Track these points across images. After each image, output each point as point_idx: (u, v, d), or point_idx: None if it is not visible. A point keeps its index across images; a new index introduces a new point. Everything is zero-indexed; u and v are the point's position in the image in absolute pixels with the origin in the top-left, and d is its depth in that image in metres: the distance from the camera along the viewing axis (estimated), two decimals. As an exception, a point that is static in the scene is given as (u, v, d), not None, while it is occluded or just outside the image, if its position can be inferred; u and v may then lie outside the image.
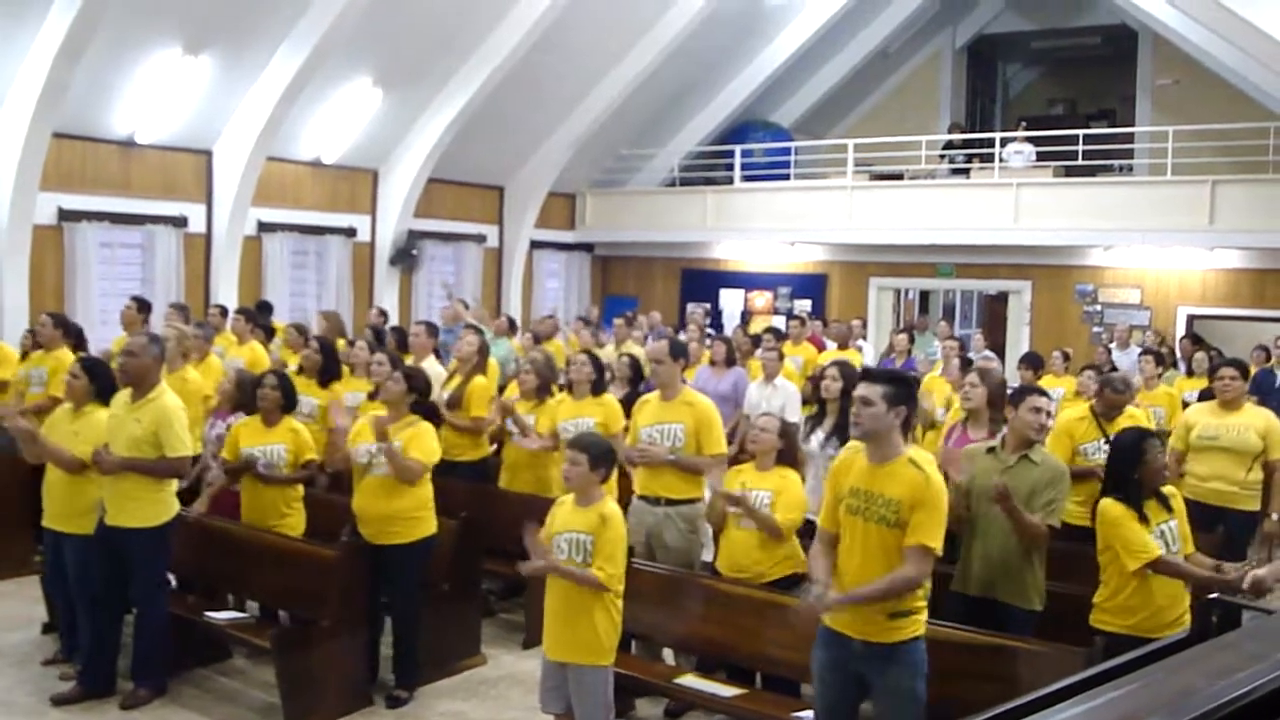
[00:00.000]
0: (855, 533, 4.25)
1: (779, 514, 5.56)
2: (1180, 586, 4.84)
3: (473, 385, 8.05)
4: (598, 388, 7.27)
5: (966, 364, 8.63)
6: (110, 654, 6.04)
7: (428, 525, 6.14)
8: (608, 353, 10.94)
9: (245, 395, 6.95)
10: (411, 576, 6.12)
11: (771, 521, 5.54)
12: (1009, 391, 6.10)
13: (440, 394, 8.16)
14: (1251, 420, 7.04)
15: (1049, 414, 5.43)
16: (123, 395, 5.97)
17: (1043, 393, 5.47)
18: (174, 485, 6.03)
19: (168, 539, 5.94)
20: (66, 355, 7.96)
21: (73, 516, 6.00)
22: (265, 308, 12.27)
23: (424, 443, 6.09)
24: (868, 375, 4.52)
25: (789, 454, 5.83)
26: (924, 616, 4.28)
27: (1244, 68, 14.84)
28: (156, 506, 5.86)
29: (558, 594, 4.92)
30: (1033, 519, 5.08)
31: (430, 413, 6.36)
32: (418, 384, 6.28)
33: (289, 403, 6.68)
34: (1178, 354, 12.95)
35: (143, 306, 9.76)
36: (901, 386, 4.34)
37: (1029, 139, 15.96)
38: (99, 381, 6.14)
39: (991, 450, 5.42)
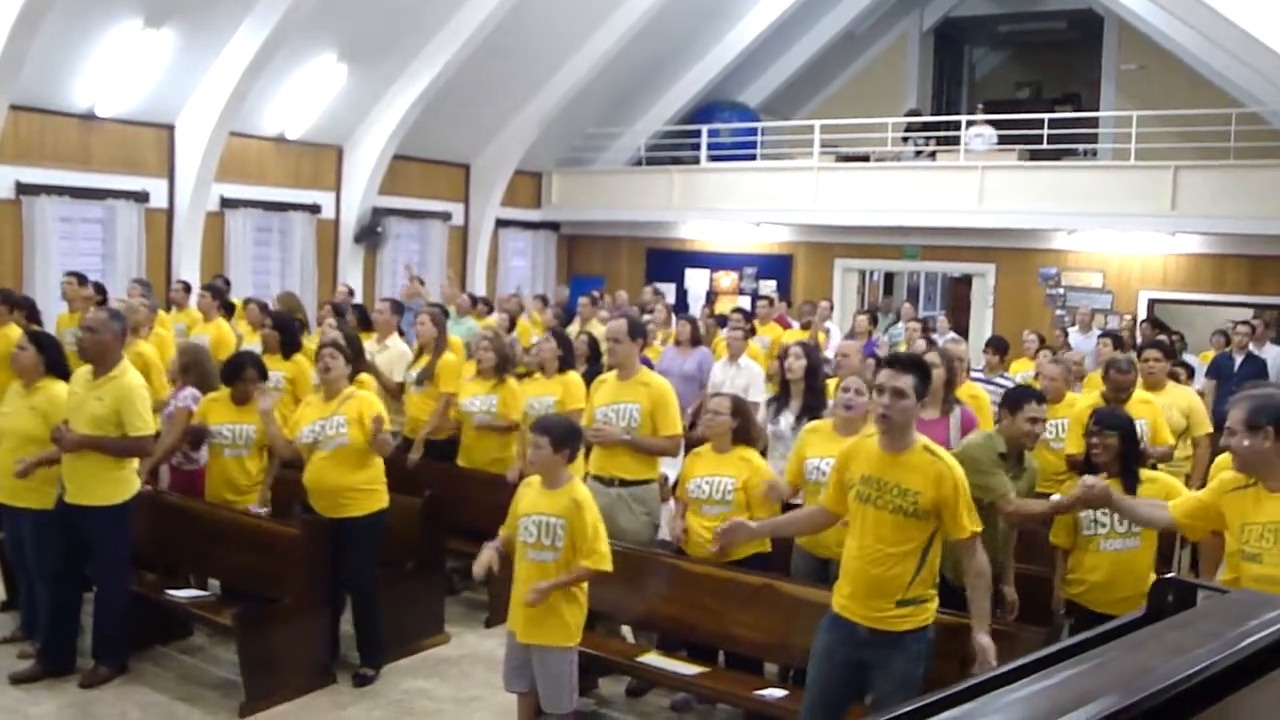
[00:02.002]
0: (866, 521, 4.22)
1: (754, 511, 5.54)
2: (1132, 564, 4.97)
3: (442, 362, 8.03)
4: (564, 365, 7.30)
5: (931, 345, 8.65)
6: (70, 632, 6.00)
7: (379, 499, 6.14)
8: (570, 332, 10.92)
9: (194, 370, 6.89)
10: (367, 551, 6.11)
11: (761, 530, 5.31)
12: (1007, 391, 6.00)
13: (409, 373, 8.16)
14: (1175, 399, 7.36)
15: (1044, 422, 5.39)
16: (84, 372, 5.91)
17: (1040, 399, 5.38)
18: (135, 463, 5.99)
19: (128, 517, 5.89)
20: (15, 332, 7.86)
21: (26, 491, 5.93)
22: (224, 283, 12.19)
23: (376, 408, 6.08)
24: (898, 364, 4.37)
25: (744, 432, 5.80)
26: (934, 605, 4.28)
27: (1207, 54, 14.96)
28: (117, 485, 5.82)
29: (524, 574, 4.93)
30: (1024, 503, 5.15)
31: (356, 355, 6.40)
32: (349, 353, 6.34)
33: (258, 381, 6.63)
34: (1138, 338, 13.07)
35: (83, 280, 9.65)
36: (924, 376, 4.33)
37: (989, 122, 16.04)
38: (48, 354, 6.07)
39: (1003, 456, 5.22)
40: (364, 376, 6.79)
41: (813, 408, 6.55)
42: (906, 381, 4.17)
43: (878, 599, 4.19)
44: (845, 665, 4.31)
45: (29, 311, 8.89)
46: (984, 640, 4.23)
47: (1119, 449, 5.06)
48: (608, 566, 4.90)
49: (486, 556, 5.03)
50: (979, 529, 4.25)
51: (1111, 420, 5.17)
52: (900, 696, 4.18)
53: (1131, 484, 4.99)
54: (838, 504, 4.41)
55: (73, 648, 6.01)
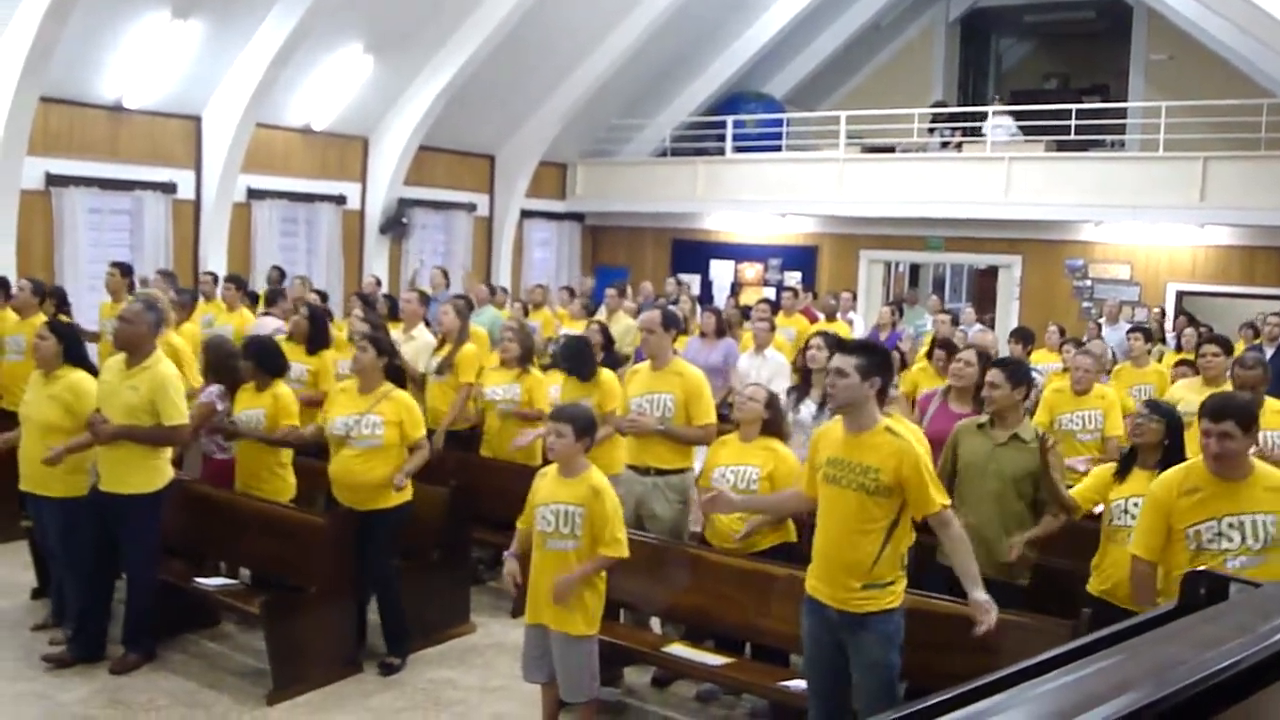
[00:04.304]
0: (833, 501, 4.29)
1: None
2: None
3: (462, 353, 8.05)
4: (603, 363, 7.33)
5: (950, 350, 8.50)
6: (101, 618, 6.06)
7: (406, 493, 6.16)
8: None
9: (219, 368, 6.89)
10: (389, 543, 6.14)
11: (744, 504, 5.40)
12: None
13: (430, 361, 8.19)
14: None
15: (995, 385, 5.44)
16: (116, 361, 5.96)
17: (1019, 366, 5.51)
18: (168, 452, 6.05)
19: (161, 506, 5.94)
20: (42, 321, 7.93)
21: (54, 479, 5.98)
22: (278, 274, 12.32)
23: (414, 414, 6.12)
24: (841, 347, 4.57)
25: (775, 424, 5.82)
26: (900, 588, 4.31)
27: (1238, 43, 14.82)
28: (151, 473, 5.87)
29: (543, 564, 4.95)
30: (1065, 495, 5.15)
31: (395, 374, 6.36)
32: (384, 347, 6.30)
33: (270, 369, 6.63)
34: (1166, 330, 12.99)
35: (126, 271, 9.74)
36: (874, 356, 4.38)
37: (1008, 112, 15.94)
38: (67, 343, 6.13)
39: (981, 427, 5.44)
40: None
41: None
42: (848, 362, 4.26)
43: (844, 578, 4.24)
44: (830, 644, 4.37)
45: (59, 301, 8.95)
46: (980, 596, 4.26)
47: (1161, 438, 5.03)
48: (624, 553, 4.94)
49: (510, 570, 5.12)
50: (947, 502, 4.30)
51: (1161, 409, 5.18)
52: (873, 681, 4.27)
53: None
54: (811, 487, 4.50)
55: (103, 634, 6.06)
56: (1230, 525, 4.17)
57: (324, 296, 11.45)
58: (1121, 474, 5.09)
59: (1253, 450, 6.08)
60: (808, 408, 6.66)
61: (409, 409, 6.10)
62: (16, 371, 8.19)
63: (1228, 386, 7.30)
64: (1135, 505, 4.94)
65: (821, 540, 4.36)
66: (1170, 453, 5.00)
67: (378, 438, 6.00)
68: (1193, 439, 4.82)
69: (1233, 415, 4.15)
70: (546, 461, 5.40)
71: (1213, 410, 4.23)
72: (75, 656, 5.95)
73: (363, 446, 6.01)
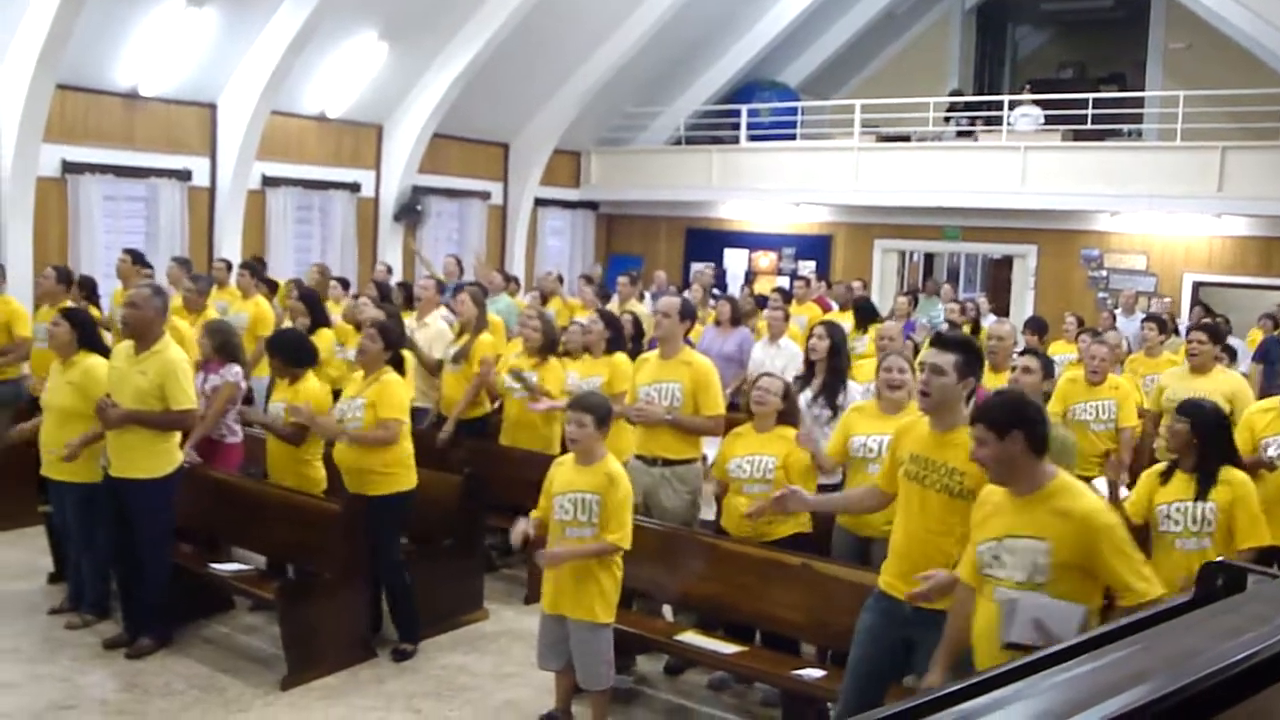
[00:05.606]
0: (913, 499, 4.21)
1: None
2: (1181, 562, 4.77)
3: (477, 343, 8.05)
4: (612, 346, 7.31)
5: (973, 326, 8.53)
6: (127, 600, 6.11)
7: (403, 480, 6.16)
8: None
9: (226, 350, 6.90)
10: (388, 530, 6.15)
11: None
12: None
13: (448, 350, 8.20)
14: (1219, 385, 6.94)
15: (1030, 370, 5.43)
16: (125, 347, 5.98)
17: (1048, 357, 5.47)
18: (177, 436, 6.07)
19: (171, 490, 5.97)
20: (69, 308, 7.97)
21: (72, 466, 6.02)
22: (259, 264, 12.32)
23: (391, 397, 6.09)
24: (940, 342, 4.37)
25: (790, 414, 5.80)
26: None
27: (1257, 32, 14.70)
28: (159, 458, 5.89)
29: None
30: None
31: (396, 361, 6.35)
32: (391, 337, 6.32)
33: (296, 361, 6.64)
34: (1180, 321, 12.91)
35: (137, 259, 9.76)
36: (972, 356, 4.26)
37: (1036, 101, 15.86)
38: (81, 329, 6.15)
39: None
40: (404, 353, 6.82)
41: (831, 386, 6.53)
42: (946, 359, 4.13)
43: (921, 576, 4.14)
44: (890, 644, 4.28)
45: (88, 291, 8.99)
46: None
47: (1188, 439, 4.95)
48: (626, 545, 4.94)
49: (521, 526, 5.10)
50: None
51: (1188, 408, 5.09)
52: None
53: (1206, 483, 4.89)
54: (891, 483, 4.39)
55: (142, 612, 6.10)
56: (1007, 549, 3.60)
57: (345, 284, 11.47)
58: (1165, 477, 5.04)
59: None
60: (805, 397, 6.65)
61: (385, 391, 6.08)
62: (44, 358, 8.23)
63: (1219, 374, 7.29)
64: (1177, 510, 4.92)
65: (901, 538, 4.25)
66: (1203, 449, 4.92)
67: (359, 420, 6.05)
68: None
69: (982, 418, 3.66)
70: (564, 450, 5.41)
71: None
72: (133, 635, 6.02)
73: (351, 430, 6.08)
